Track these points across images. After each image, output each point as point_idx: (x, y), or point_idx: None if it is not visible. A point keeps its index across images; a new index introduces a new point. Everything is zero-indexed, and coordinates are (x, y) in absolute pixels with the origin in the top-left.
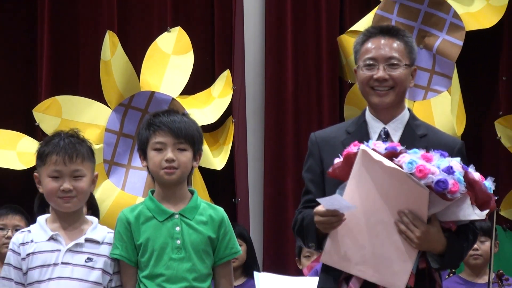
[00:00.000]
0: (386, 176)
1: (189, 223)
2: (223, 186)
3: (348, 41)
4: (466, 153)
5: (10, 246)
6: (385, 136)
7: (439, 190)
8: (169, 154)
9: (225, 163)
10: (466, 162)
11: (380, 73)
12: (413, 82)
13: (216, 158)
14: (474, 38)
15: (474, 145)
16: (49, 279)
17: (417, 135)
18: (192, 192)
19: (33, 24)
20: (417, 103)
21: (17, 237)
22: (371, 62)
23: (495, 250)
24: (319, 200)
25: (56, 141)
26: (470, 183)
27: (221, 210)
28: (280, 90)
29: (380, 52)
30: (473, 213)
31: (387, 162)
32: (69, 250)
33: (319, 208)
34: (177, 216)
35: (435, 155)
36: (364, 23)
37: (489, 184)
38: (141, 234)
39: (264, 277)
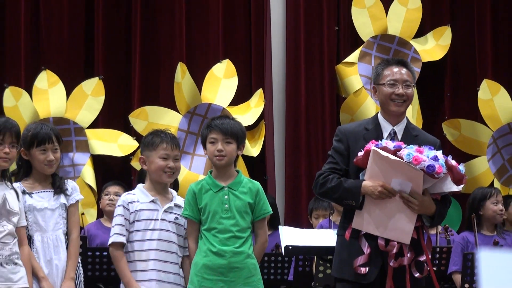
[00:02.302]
0: (392, 166)
1: (234, 193)
2: (257, 167)
3: (342, 69)
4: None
5: (120, 203)
6: (393, 135)
7: (429, 172)
8: (219, 146)
9: (259, 151)
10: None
11: (400, 90)
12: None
13: (253, 148)
14: (427, 66)
15: None
16: (153, 229)
17: (412, 135)
18: (237, 171)
19: (129, 56)
20: None
21: (126, 197)
22: (393, 82)
23: None
24: (394, 180)
25: (162, 135)
26: (449, 167)
27: (257, 183)
28: (296, 102)
29: (399, 76)
30: (453, 187)
31: (391, 157)
32: (165, 210)
33: (387, 186)
34: (226, 188)
35: (425, 149)
36: (353, 57)
37: (462, 167)
38: (202, 200)
39: (285, 230)
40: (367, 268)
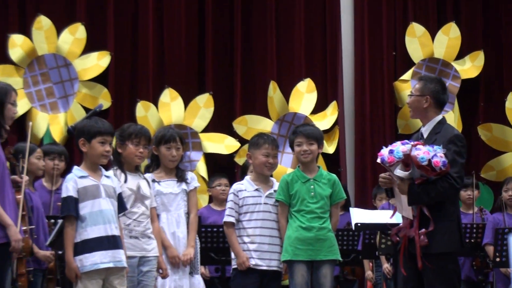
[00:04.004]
0: None
1: (318, 183)
2: (333, 161)
3: (399, 85)
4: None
5: (232, 191)
6: (420, 135)
7: (382, 161)
8: (304, 147)
9: (334, 149)
10: (455, 145)
11: (407, 100)
12: (427, 104)
13: (329, 147)
14: (465, 83)
15: (467, 140)
16: (258, 211)
17: (434, 133)
18: (318, 167)
19: (232, 76)
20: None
21: (236, 187)
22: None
23: (477, 195)
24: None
25: (265, 137)
26: (411, 158)
27: (334, 175)
28: (363, 111)
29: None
30: (398, 171)
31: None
32: (266, 196)
33: (382, 175)
34: (312, 180)
35: (397, 144)
36: (407, 75)
37: (421, 157)
38: (293, 188)
39: (355, 210)
40: (397, 238)
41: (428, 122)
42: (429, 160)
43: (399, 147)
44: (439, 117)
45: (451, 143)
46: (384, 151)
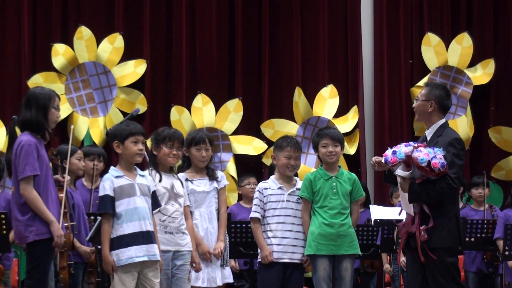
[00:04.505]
0: None
1: (340, 181)
2: (354, 162)
3: (415, 90)
4: (472, 146)
5: (257, 189)
6: (424, 138)
7: (385, 162)
8: (330, 148)
9: (355, 151)
10: (454, 148)
11: (413, 104)
12: (431, 109)
13: (350, 148)
14: (477, 88)
15: (479, 142)
16: (280, 208)
17: (436, 136)
18: (339, 166)
19: (261, 82)
20: (452, 121)
21: (261, 185)
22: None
23: (488, 193)
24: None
25: (289, 140)
26: (411, 159)
27: (354, 174)
28: (382, 115)
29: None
30: (399, 171)
31: None
32: (289, 194)
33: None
34: (333, 177)
35: (401, 146)
36: (423, 82)
37: (421, 159)
38: (316, 185)
39: (374, 208)
40: (405, 234)
41: (432, 125)
42: (429, 162)
43: (402, 149)
44: (442, 121)
45: (450, 146)
46: (388, 152)
